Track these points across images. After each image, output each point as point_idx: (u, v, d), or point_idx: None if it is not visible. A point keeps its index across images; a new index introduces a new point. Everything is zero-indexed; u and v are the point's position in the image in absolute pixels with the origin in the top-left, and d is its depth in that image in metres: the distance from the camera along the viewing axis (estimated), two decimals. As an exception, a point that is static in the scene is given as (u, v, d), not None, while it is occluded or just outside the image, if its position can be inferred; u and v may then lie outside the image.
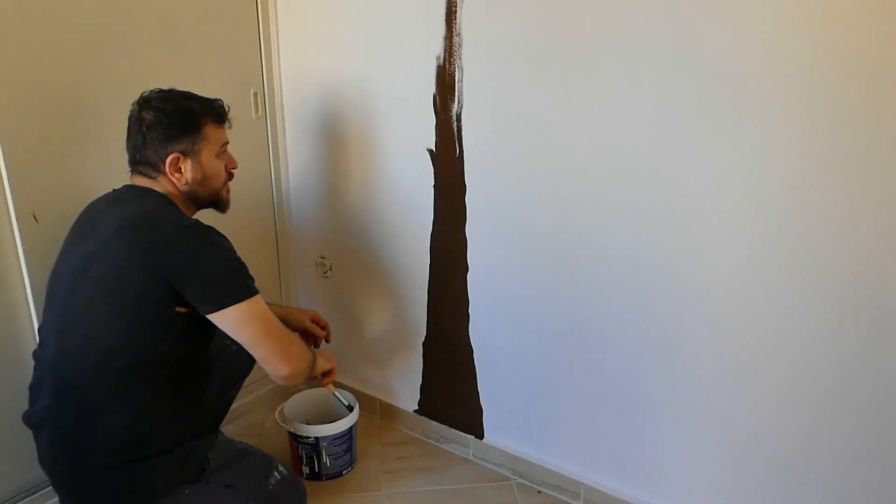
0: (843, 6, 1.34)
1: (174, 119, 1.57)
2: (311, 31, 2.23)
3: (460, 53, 1.88)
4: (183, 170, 1.59)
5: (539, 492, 2.10)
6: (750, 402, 1.66)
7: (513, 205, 1.91)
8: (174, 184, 1.60)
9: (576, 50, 1.68)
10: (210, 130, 1.63)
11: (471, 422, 2.24)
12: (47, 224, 1.79)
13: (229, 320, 1.52)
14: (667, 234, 1.67)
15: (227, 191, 1.73)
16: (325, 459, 2.12)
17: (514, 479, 2.16)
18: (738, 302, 1.61)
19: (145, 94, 1.61)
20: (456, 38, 1.87)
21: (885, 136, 1.35)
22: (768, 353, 1.61)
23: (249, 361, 1.93)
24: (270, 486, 1.74)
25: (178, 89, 1.63)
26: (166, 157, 1.57)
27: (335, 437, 2.11)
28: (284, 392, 2.53)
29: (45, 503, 1.94)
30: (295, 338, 1.69)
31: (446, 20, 1.87)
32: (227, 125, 1.68)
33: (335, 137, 2.28)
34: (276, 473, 1.78)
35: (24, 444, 1.63)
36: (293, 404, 2.24)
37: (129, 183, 1.64)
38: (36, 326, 1.83)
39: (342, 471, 2.18)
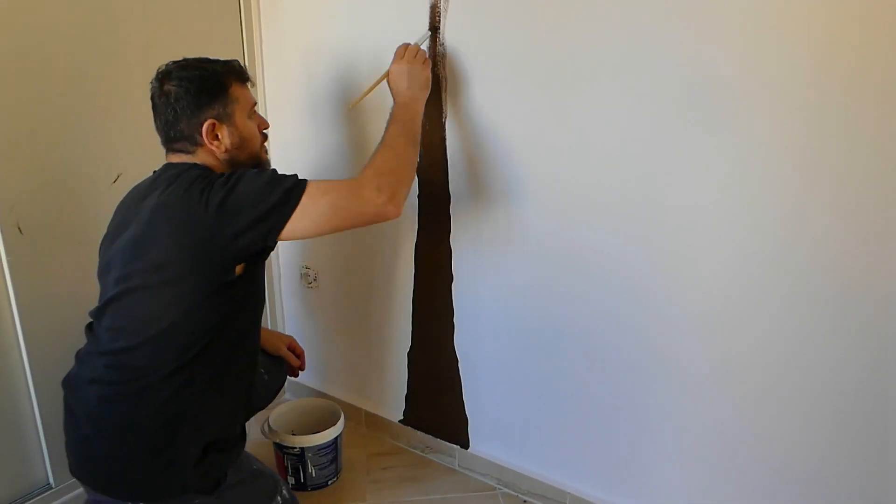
0: (827, 11, 1.36)
1: (200, 85, 1.53)
2: (293, 38, 2.24)
3: (444, 63, 1.89)
4: (220, 136, 1.55)
5: (525, 501, 2.10)
6: (736, 408, 1.67)
7: (498, 214, 1.92)
8: (213, 154, 1.56)
9: (561, 57, 1.70)
10: (237, 91, 1.59)
11: (456, 432, 2.24)
12: (32, 236, 1.79)
13: (299, 229, 1.49)
14: (652, 241, 1.68)
15: (266, 151, 1.70)
16: (311, 470, 2.12)
17: (500, 489, 2.16)
18: (725, 308, 1.63)
19: (161, 68, 1.57)
20: (440, 48, 1.88)
21: (869, 140, 1.37)
22: (755, 360, 1.62)
23: (273, 394, 1.98)
24: None
25: (191, 57, 1.58)
26: (201, 125, 1.53)
27: (320, 448, 2.11)
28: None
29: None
30: (367, 173, 1.58)
31: (430, 28, 1.88)
32: (250, 84, 1.65)
33: (318, 138, 2.29)
34: (278, 498, 1.78)
35: (17, 448, 1.62)
36: (279, 415, 2.24)
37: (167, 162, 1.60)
38: (21, 336, 1.83)
39: (328, 481, 2.18)
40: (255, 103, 1.65)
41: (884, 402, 1.49)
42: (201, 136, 1.54)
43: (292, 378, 2.10)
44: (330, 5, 2.12)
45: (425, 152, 2.01)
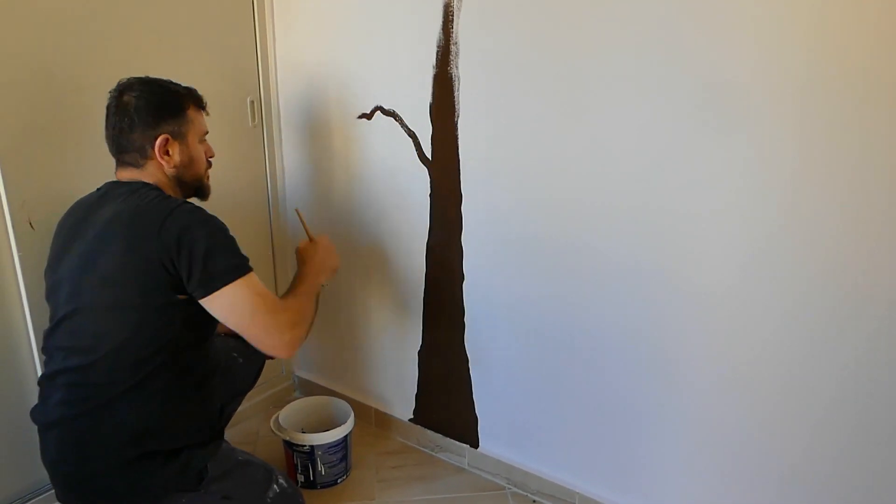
0: (836, 15, 1.34)
1: (160, 100, 1.59)
2: (308, 40, 2.24)
3: (457, 62, 1.88)
4: (171, 153, 1.60)
5: (534, 501, 2.10)
6: (745, 409, 1.66)
7: (509, 214, 1.92)
8: (162, 169, 1.60)
9: (571, 59, 1.69)
10: (193, 114, 1.65)
11: (466, 431, 2.24)
12: (43, 231, 1.79)
13: (217, 306, 1.51)
14: (662, 242, 1.67)
15: (208, 177, 1.74)
16: (320, 468, 2.12)
17: (509, 489, 2.15)
18: (733, 309, 1.62)
19: (123, 80, 1.61)
20: (453, 47, 1.87)
21: (877, 143, 1.36)
22: (763, 361, 1.61)
23: (254, 375, 1.95)
24: (269, 499, 1.73)
25: (153, 76, 1.63)
26: (155, 138, 1.57)
27: (330, 446, 2.11)
28: (280, 400, 2.53)
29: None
30: (287, 306, 1.64)
31: (443, 29, 1.88)
32: (205, 113, 1.71)
33: (331, 147, 2.28)
34: (275, 486, 1.77)
35: (22, 446, 1.62)
36: (288, 412, 2.24)
37: (114, 179, 1.63)
38: (32, 332, 1.84)
39: (337, 479, 2.18)
40: (207, 132, 1.71)
41: (892, 406, 1.48)
42: (153, 148, 1.57)
43: (270, 360, 1.97)
44: (345, 5, 2.11)
45: (437, 151, 2.01)
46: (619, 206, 1.71)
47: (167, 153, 1.59)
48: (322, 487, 2.15)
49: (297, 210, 2.04)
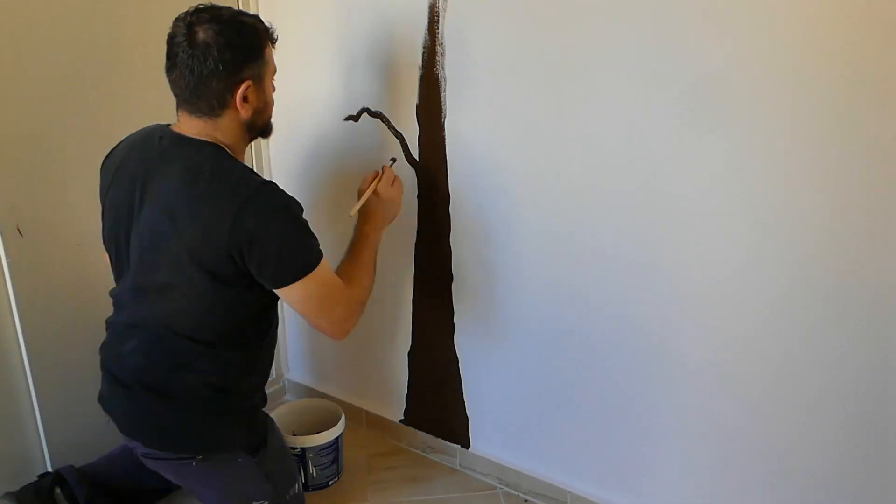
0: (829, 12, 1.36)
1: (244, 42, 1.44)
2: (292, 42, 2.23)
3: (443, 63, 1.89)
4: (249, 99, 1.49)
5: (526, 501, 2.10)
6: (738, 407, 1.67)
7: (499, 213, 1.92)
8: (237, 118, 1.50)
9: (558, 56, 1.70)
10: (269, 53, 1.53)
11: (457, 431, 2.24)
12: (32, 237, 1.79)
13: (285, 296, 1.56)
14: (654, 239, 1.68)
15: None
16: (312, 470, 2.12)
17: (501, 489, 2.16)
18: (727, 307, 1.62)
19: (190, 10, 1.44)
20: (439, 48, 1.88)
21: (869, 138, 1.37)
22: (757, 359, 1.62)
23: None
24: (289, 496, 1.79)
25: (216, 3, 1.48)
26: (239, 85, 1.45)
27: (321, 448, 2.10)
28: (270, 403, 2.52)
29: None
30: (350, 295, 1.68)
31: (429, 30, 1.88)
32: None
33: (318, 149, 2.29)
34: (297, 486, 1.83)
35: (21, 448, 1.63)
36: (279, 415, 2.23)
37: (172, 128, 1.53)
38: (21, 339, 1.83)
39: (328, 482, 2.18)
40: (276, 70, 1.61)
41: (886, 400, 1.49)
42: (234, 97, 1.47)
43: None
44: (329, 6, 2.11)
45: (424, 151, 2.01)
46: (612, 202, 1.72)
47: (245, 99, 1.49)
48: (314, 490, 2.15)
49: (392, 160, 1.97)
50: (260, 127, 1.61)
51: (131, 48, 1.95)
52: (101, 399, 1.69)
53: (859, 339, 1.48)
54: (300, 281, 1.51)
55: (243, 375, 1.64)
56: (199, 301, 1.52)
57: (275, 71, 1.60)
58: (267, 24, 1.57)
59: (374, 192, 1.83)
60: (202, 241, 1.45)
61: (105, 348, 1.67)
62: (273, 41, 1.57)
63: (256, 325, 1.65)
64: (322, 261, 1.56)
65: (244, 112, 1.50)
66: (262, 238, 1.45)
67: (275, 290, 1.55)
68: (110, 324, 1.68)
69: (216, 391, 1.60)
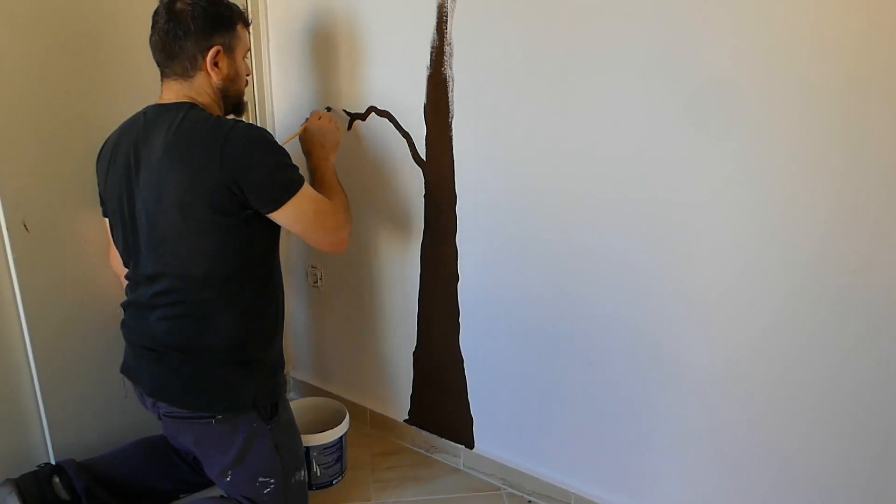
0: (834, 15, 1.35)
1: (215, 12, 1.63)
2: (301, 41, 2.23)
3: (451, 63, 1.88)
4: (220, 65, 1.66)
5: (529, 502, 2.10)
6: (740, 409, 1.67)
7: (504, 213, 1.92)
8: (210, 81, 1.66)
9: (565, 58, 1.69)
10: (241, 31, 1.71)
11: (461, 431, 2.24)
12: (38, 233, 1.79)
13: (283, 217, 1.65)
14: (657, 243, 1.68)
15: (245, 94, 1.82)
16: (316, 469, 2.12)
17: (505, 489, 2.16)
18: (729, 309, 1.62)
19: None
20: (447, 48, 1.88)
21: (873, 141, 1.36)
22: (758, 361, 1.61)
23: None
24: (293, 481, 1.83)
25: None
26: (208, 49, 1.63)
27: (325, 447, 2.10)
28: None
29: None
30: (336, 205, 1.81)
31: (437, 30, 1.88)
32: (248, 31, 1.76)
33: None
34: (302, 472, 1.88)
35: (25, 442, 1.63)
36: (283, 414, 2.24)
37: (156, 103, 1.66)
38: (27, 334, 1.84)
39: (332, 480, 2.18)
40: (249, 49, 1.78)
41: (889, 405, 1.48)
42: (204, 59, 1.63)
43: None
44: (338, 6, 2.11)
45: (431, 151, 2.01)
46: (616, 205, 1.71)
47: (216, 65, 1.65)
48: (318, 488, 2.15)
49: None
50: (233, 98, 1.75)
51: (139, 48, 1.95)
52: (126, 369, 1.79)
53: (863, 342, 1.48)
54: (293, 199, 1.63)
55: (257, 321, 1.74)
56: (207, 240, 1.61)
57: (247, 49, 1.76)
58: (242, 10, 1.75)
59: (304, 128, 2.00)
60: (197, 180, 1.56)
61: (127, 325, 1.77)
62: (247, 23, 1.74)
63: (262, 263, 1.75)
64: (305, 181, 1.69)
65: (215, 76, 1.66)
66: (251, 166, 1.58)
67: (272, 216, 1.64)
68: (129, 303, 1.76)
69: (236, 345, 1.70)
